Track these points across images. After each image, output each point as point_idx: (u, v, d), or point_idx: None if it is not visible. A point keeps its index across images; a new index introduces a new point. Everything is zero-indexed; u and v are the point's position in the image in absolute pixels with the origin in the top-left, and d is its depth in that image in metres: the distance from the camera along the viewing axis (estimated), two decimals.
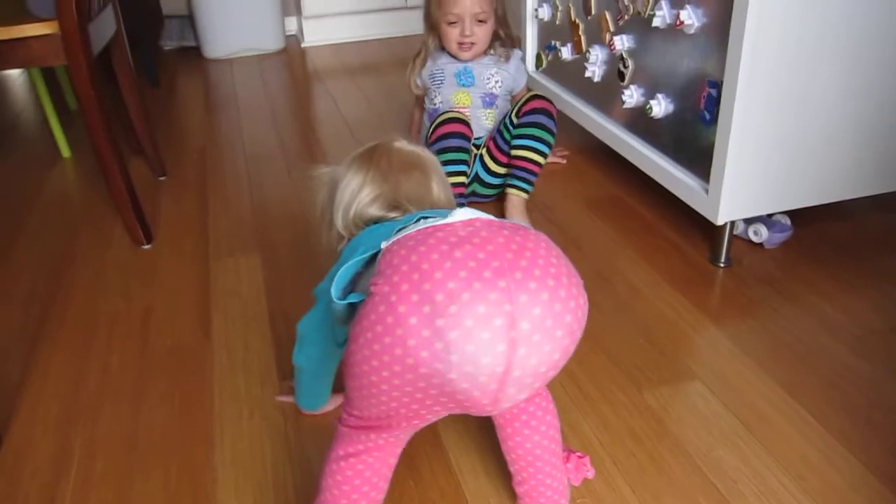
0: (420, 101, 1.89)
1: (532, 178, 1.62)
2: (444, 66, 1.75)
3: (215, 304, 1.41)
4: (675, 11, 1.40)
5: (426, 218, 0.78)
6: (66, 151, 2.18)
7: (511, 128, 1.65)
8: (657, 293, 1.38)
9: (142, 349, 1.29)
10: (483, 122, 1.74)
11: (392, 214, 0.98)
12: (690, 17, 1.34)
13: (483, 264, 0.64)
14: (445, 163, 1.49)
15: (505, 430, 0.87)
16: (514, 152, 1.62)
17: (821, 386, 1.14)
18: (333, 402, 1.12)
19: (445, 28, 1.71)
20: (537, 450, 0.87)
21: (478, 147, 1.70)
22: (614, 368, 1.19)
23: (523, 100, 1.63)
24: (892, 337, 1.24)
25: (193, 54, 3.21)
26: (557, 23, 1.93)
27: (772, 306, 1.33)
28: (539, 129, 1.59)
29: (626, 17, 1.59)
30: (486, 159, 1.68)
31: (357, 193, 0.99)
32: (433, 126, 1.60)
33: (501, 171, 1.66)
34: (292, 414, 1.13)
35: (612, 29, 1.65)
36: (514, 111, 1.65)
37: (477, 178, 1.64)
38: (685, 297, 1.37)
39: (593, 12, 1.73)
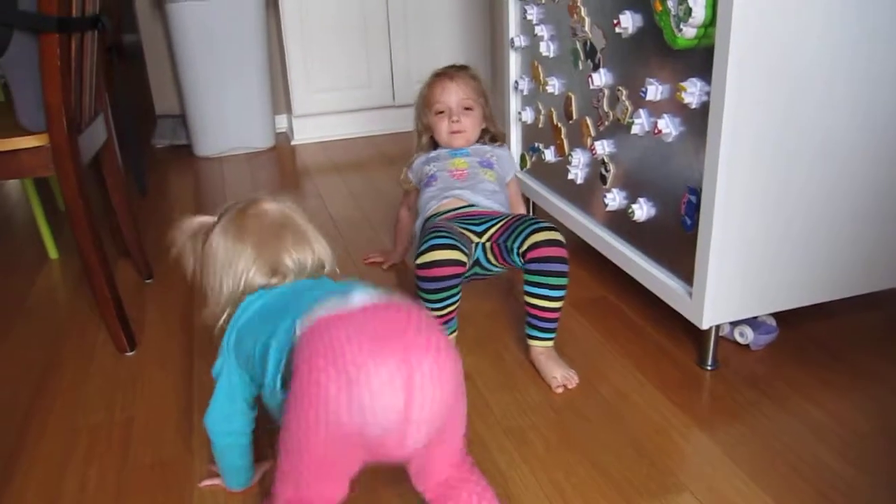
0: (407, 199, 1.90)
1: (552, 326, 1.46)
2: (439, 151, 1.77)
3: (198, 413, 1.38)
4: (653, 120, 1.44)
5: (324, 294, 0.93)
6: (53, 253, 2.19)
7: (513, 249, 1.48)
8: (645, 398, 1.37)
9: (121, 465, 1.26)
10: (484, 181, 1.66)
11: (273, 280, 1.06)
12: (668, 126, 1.38)
13: (381, 336, 0.81)
14: (440, 300, 1.42)
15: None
16: (531, 300, 1.45)
17: (812, 498, 1.12)
18: (258, 473, 1.19)
19: (436, 121, 1.75)
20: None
21: (479, 234, 1.52)
22: (601, 480, 1.17)
23: (536, 240, 1.42)
24: (880, 440, 1.23)
25: (184, 152, 3.26)
26: (540, 126, 1.97)
27: (760, 411, 1.32)
28: (554, 276, 1.43)
29: (607, 122, 1.63)
30: (489, 255, 1.54)
31: (241, 267, 1.06)
32: (421, 250, 1.41)
33: (501, 266, 1.60)
34: None
35: (592, 134, 1.69)
36: (522, 244, 1.44)
37: (478, 264, 1.57)
38: (673, 402, 1.36)
39: (574, 117, 1.78)
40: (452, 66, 1.83)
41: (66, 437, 1.35)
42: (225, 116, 3.13)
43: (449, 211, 1.61)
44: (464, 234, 1.50)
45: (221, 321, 1.07)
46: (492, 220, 1.54)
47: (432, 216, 1.62)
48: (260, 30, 3.10)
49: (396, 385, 0.79)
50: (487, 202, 1.62)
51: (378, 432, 0.81)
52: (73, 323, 1.77)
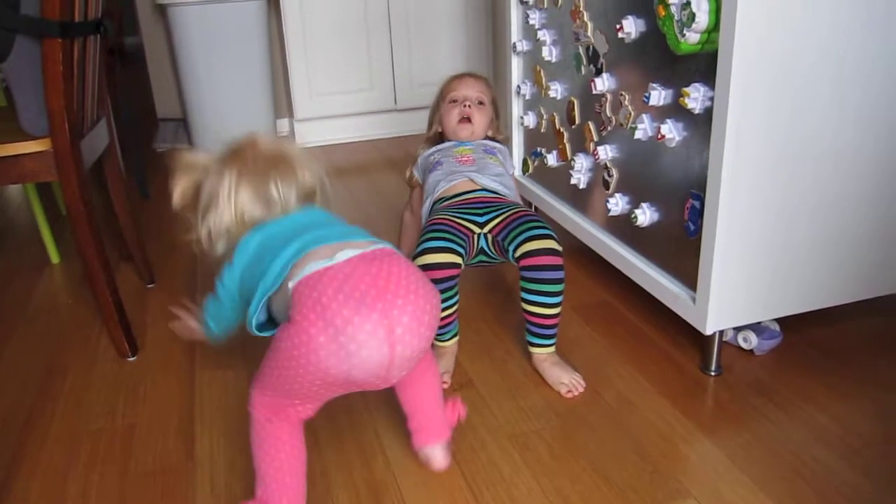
0: (411, 201, 1.90)
1: (552, 332, 1.46)
2: (444, 144, 1.78)
3: (200, 420, 1.38)
4: (656, 125, 1.43)
5: (313, 242, 1.02)
6: (55, 258, 2.18)
7: (508, 250, 1.47)
8: (648, 404, 1.37)
9: (124, 472, 1.26)
10: (490, 165, 1.66)
11: (268, 211, 1.14)
12: (671, 131, 1.38)
13: (365, 293, 0.92)
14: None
15: (399, 385, 1.15)
16: (528, 308, 1.45)
17: None
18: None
19: (448, 109, 1.77)
20: (423, 394, 1.17)
21: (480, 225, 1.50)
22: (606, 486, 1.17)
23: (529, 249, 1.41)
24: (887, 448, 1.22)
25: None
26: (543, 130, 1.97)
27: (765, 417, 1.32)
28: (549, 283, 1.41)
29: (609, 127, 1.63)
30: (490, 245, 1.53)
31: (235, 195, 1.13)
32: (416, 253, 1.42)
33: (503, 259, 1.58)
34: None
35: (595, 139, 1.69)
36: (516, 249, 1.43)
37: (483, 252, 1.55)
38: (677, 407, 1.35)
39: (577, 122, 1.77)
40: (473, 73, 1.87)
41: (69, 443, 1.34)
42: (227, 120, 3.12)
43: (456, 196, 1.59)
44: (464, 227, 1.49)
45: (220, 246, 1.16)
46: (496, 209, 1.52)
47: (440, 199, 1.61)
48: (262, 33, 3.10)
49: (380, 336, 0.91)
50: (495, 184, 1.61)
51: (363, 375, 0.94)
52: (75, 328, 1.77)
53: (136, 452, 1.31)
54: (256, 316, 1.06)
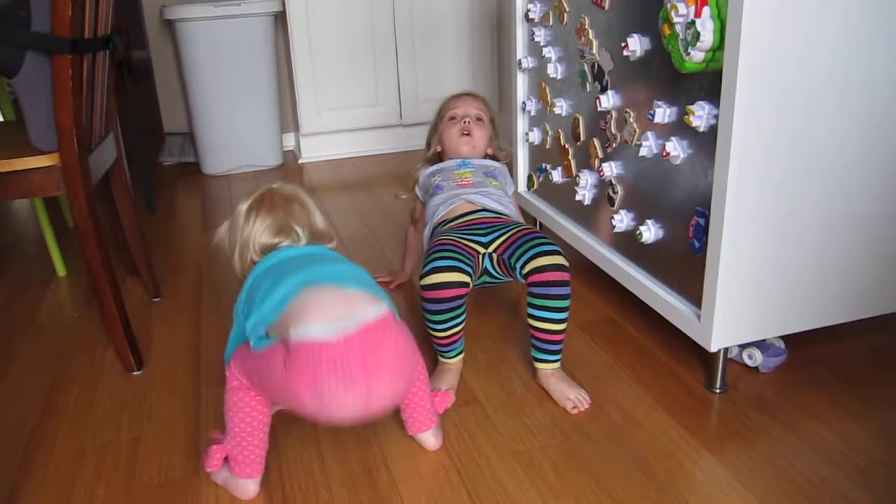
0: (414, 217, 1.91)
1: (558, 348, 1.46)
2: (444, 164, 1.80)
3: (205, 435, 1.38)
4: (661, 142, 1.44)
5: (315, 279, 1.14)
6: (61, 270, 2.19)
7: (515, 267, 1.47)
8: (653, 421, 1.37)
9: (128, 486, 1.26)
10: (490, 190, 1.67)
11: (279, 239, 1.29)
12: (676, 149, 1.38)
13: (354, 374, 1.01)
14: (444, 321, 1.42)
15: None
16: (534, 323, 1.44)
17: None
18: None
19: (447, 127, 1.80)
20: (411, 390, 1.27)
21: (485, 245, 1.51)
22: None
23: (538, 265, 1.41)
24: (892, 466, 1.22)
25: (192, 170, 3.27)
26: (548, 147, 1.98)
27: (770, 434, 1.31)
28: (557, 299, 1.41)
29: (614, 144, 1.63)
30: (495, 265, 1.54)
31: (252, 228, 1.30)
32: (423, 272, 1.42)
33: (508, 277, 1.59)
34: None
35: (600, 155, 1.70)
36: (524, 265, 1.43)
37: (487, 272, 1.56)
38: (682, 425, 1.35)
39: (582, 139, 1.78)
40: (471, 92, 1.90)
41: (74, 457, 1.35)
42: (233, 134, 3.14)
43: (457, 218, 1.60)
44: (469, 247, 1.49)
45: (241, 273, 1.31)
46: (499, 229, 1.53)
47: (441, 223, 1.62)
48: (268, 48, 3.12)
49: (357, 406, 1.04)
50: (495, 205, 1.63)
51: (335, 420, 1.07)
52: (81, 341, 1.77)
53: (141, 467, 1.31)
54: (254, 335, 1.15)
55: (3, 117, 2.76)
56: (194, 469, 1.29)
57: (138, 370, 1.61)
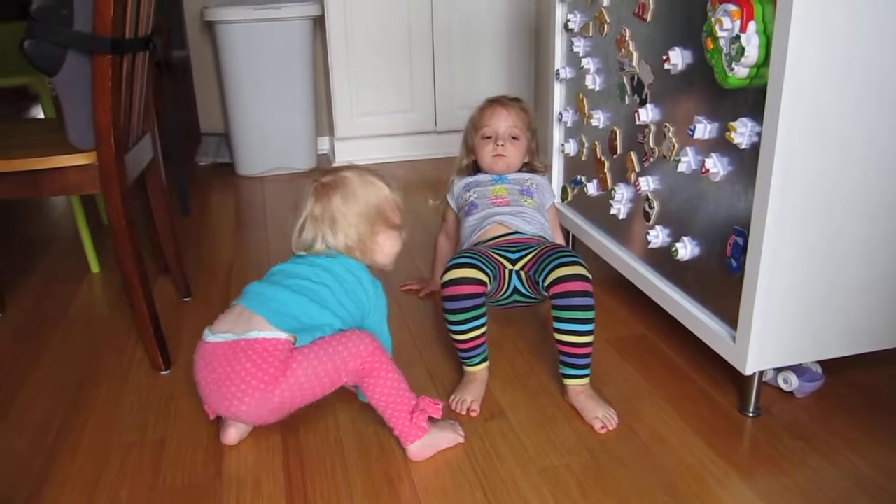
0: (446, 226, 1.90)
1: (585, 363, 1.42)
2: (479, 177, 1.79)
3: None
4: (700, 158, 1.41)
5: (245, 295, 1.38)
6: (95, 267, 2.21)
7: (539, 282, 1.47)
8: (683, 443, 1.34)
9: (152, 487, 1.26)
10: (525, 207, 1.67)
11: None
12: (716, 166, 1.35)
13: (196, 373, 1.32)
14: (464, 322, 1.43)
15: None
16: (560, 337, 1.41)
17: None
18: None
19: (481, 144, 1.78)
20: (378, 404, 1.32)
21: (513, 262, 1.52)
22: None
23: (558, 276, 1.40)
24: None
25: (227, 171, 3.29)
26: (583, 159, 1.96)
27: (804, 462, 1.28)
28: (579, 310, 1.39)
29: (652, 159, 1.61)
30: (524, 283, 1.54)
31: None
32: (444, 270, 1.44)
33: (537, 296, 1.59)
34: None
35: (637, 169, 1.67)
36: (546, 278, 1.42)
37: (517, 291, 1.56)
38: (712, 448, 1.32)
39: (619, 152, 1.76)
40: (506, 96, 1.85)
41: (99, 455, 1.35)
42: (268, 136, 3.16)
43: (491, 239, 1.61)
44: (494, 257, 1.51)
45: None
46: (527, 248, 1.53)
47: (475, 245, 1.62)
48: (306, 52, 3.13)
49: (211, 407, 1.32)
50: (529, 227, 1.63)
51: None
52: (111, 338, 1.78)
53: (165, 468, 1.31)
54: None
55: (45, 115, 2.80)
56: (217, 472, 1.29)
57: (166, 370, 1.62)
